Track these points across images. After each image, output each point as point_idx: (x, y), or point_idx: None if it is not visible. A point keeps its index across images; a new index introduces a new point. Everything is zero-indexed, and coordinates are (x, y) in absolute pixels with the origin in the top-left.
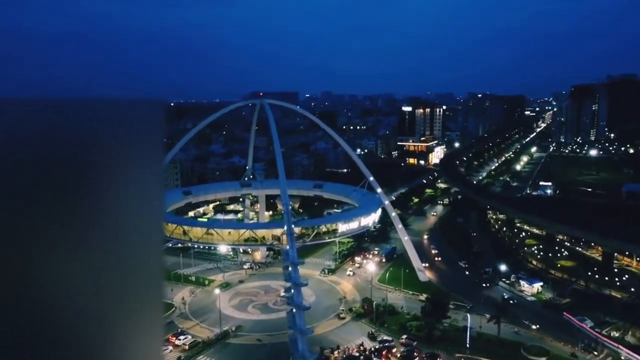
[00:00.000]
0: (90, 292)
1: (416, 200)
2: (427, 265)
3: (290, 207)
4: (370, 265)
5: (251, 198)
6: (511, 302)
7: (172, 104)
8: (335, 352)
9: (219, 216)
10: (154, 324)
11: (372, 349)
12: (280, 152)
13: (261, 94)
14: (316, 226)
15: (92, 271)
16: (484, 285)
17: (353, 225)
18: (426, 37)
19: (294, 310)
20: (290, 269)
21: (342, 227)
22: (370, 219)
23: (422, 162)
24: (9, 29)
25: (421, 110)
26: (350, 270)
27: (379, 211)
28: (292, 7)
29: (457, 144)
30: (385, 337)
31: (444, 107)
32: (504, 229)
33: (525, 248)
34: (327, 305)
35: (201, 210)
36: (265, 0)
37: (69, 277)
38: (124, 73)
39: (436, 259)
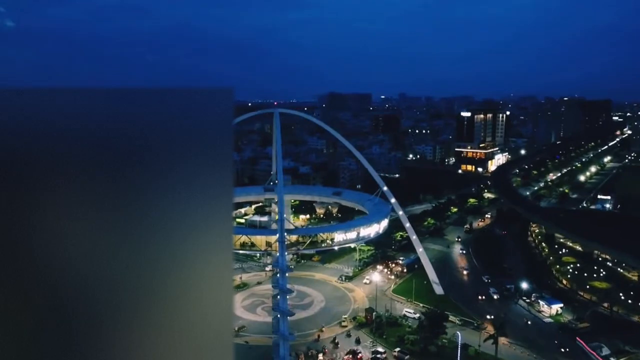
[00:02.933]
0: (156, 296)
1: (455, 209)
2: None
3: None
4: (376, 275)
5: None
6: (529, 323)
7: (249, 104)
8: (320, 355)
9: (256, 218)
10: (226, 330)
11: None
12: (282, 160)
13: (275, 103)
14: (313, 235)
15: (157, 270)
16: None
17: (351, 235)
18: (512, 38)
19: (279, 315)
20: (278, 275)
21: (339, 237)
22: (372, 230)
23: (480, 169)
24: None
25: (481, 116)
26: (367, 279)
27: (385, 222)
28: (369, 8)
29: (523, 152)
30: (379, 349)
31: (508, 113)
32: (542, 244)
33: (558, 266)
34: (334, 312)
35: (243, 210)
36: (342, 2)
37: (133, 280)
38: (206, 76)
39: (464, 272)
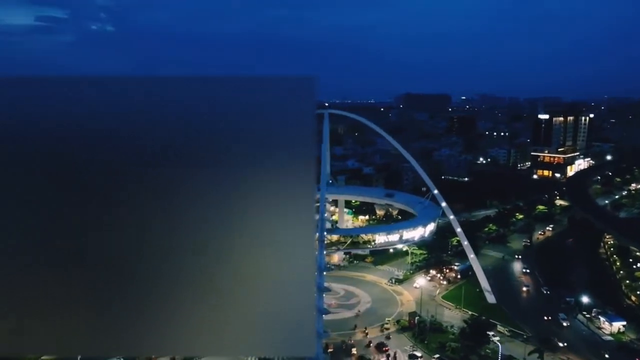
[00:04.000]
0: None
1: (520, 216)
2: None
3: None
4: (426, 280)
5: (330, 202)
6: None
7: (326, 104)
8: (354, 349)
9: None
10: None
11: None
12: (329, 161)
13: (326, 104)
14: (354, 235)
15: (239, 256)
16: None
17: (393, 237)
18: (611, 35)
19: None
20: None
21: (380, 239)
22: (416, 233)
23: (557, 175)
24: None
25: (561, 118)
26: (417, 283)
27: (431, 225)
28: (451, 8)
29: (609, 157)
30: (417, 353)
31: (592, 115)
32: (614, 256)
33: (628, 281)
34: (379, 314)
35: None
36: (419, 1)
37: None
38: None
39: (524, 288)
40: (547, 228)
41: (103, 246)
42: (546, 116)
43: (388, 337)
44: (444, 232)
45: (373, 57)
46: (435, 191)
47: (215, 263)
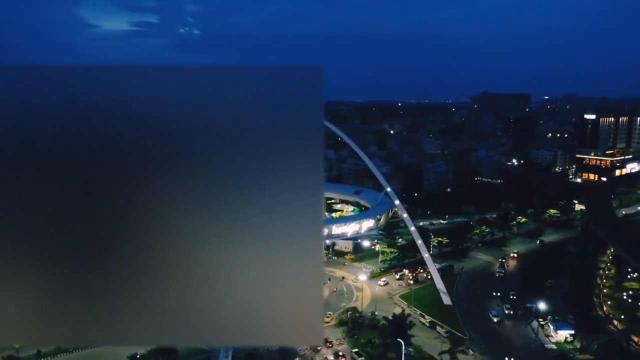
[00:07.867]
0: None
1: (523, 220)
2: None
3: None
4: (362, 276)
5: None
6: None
7: (399, 104)
8: None
9: None
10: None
11: None
12: None
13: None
14: None
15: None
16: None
17: None
18: None
19: None
20: None
21: None
22: (349, 229)
23: (604, 179)
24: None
25: (611, 119)
26: (383, 280)
27: (369, 222)
28: (533, 3)
29: None
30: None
31: None
32: (608, 264)
33: (606, 290)
34: (329, 308)
35: None
36: None
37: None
38: (357, 79)
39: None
40: (512, 254)
41: (108, 241)
42: (592, 116)
43: None
44: (424, 232)
45: (459, 55)
46: (388, 189)
47: (225, 256)
